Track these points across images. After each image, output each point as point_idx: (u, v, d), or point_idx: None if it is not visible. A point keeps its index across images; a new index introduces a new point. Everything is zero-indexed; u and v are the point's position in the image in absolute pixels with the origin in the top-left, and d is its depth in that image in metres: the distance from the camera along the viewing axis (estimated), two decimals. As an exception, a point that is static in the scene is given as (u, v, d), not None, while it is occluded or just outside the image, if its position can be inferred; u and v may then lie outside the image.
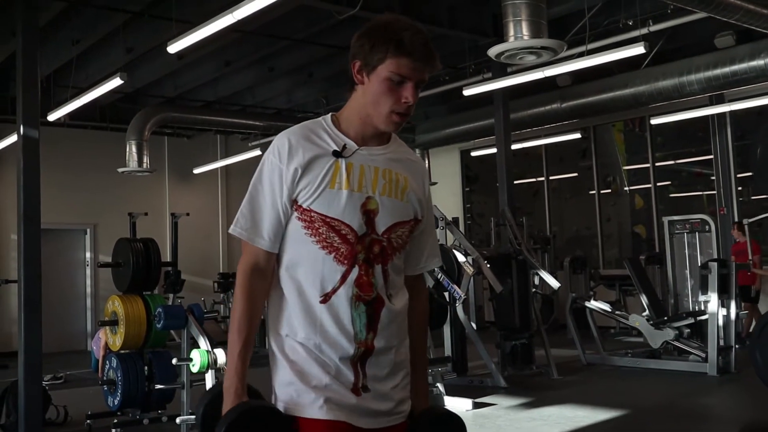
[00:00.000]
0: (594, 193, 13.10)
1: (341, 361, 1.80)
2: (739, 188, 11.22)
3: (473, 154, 14.49)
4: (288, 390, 1.81)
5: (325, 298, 1.80)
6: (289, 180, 1.82)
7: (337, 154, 1.83)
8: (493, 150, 10.58)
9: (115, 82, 8.41)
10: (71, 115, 10.34)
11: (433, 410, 2.04)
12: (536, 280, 9.41)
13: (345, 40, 2.15)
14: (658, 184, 12.32)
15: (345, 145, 1.85)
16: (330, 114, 1.93)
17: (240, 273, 1.87)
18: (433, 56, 1.83)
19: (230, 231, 1.88)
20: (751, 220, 10.07)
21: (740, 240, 9.56)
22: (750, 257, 9.13)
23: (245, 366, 1.83)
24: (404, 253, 1.91)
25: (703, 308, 8.23)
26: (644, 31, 8.69)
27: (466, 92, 9.60)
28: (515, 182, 10.13)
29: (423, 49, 1.80)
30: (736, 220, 10.37)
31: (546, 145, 13.55)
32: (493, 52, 6.94)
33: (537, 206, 13.96)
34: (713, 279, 7.92)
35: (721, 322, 7.87)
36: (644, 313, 8.74)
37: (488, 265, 7.82)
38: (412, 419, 1.94)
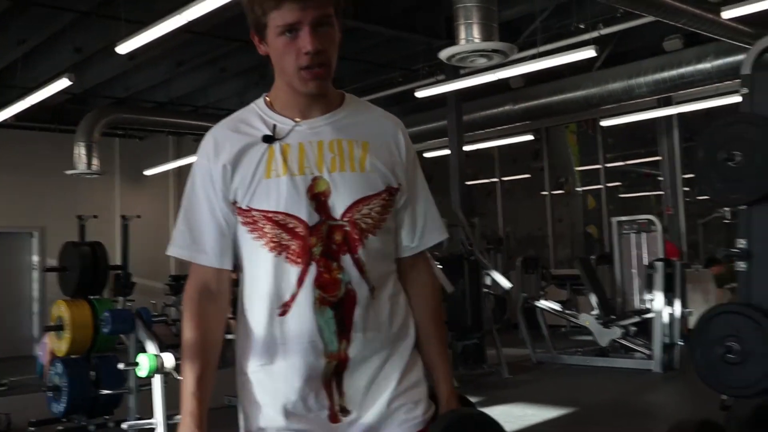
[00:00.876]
0: (546, 194, 13.26)
1: (309, 383, 1.52)
2: (686, 189, 11.46)
3: (426, 155, 14.55)
4: None
5: (284, 309, 1.51)
6: (219, 180, 1.56)
7: (268, 139, 1.55)
8: (446, 151, 10.65)
9: (63, 83, 8.29)
10: (18, 116, 10.15)
11: (454, 413, 1.64)
12: (488, 281, 9.48)
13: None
14: (609, 184, 12.53)
15: (275, 125, 1.57)
16: (263, 95, 1.64)
17: (186, 298, 1.59)
18: None
19: (168, 252, 1.60)
20: (702, 220, 10.31)
21: None
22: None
23: (201, 405, 1.54)
24: (384, 232, 1.58)
25: (648, 306, 8.39)
26: (595, 34, 8.82)
27: (419, 94, 9.65)
28: (468, 183, 10.20)
29: None
30: (682, 220, 10.60)
31: (499, 147, 13.68)
32: (444, 54, 6.99)
33: (490, 207, 14.09)
34: (659, 278, 8.08)
35: (666, 320, 8.03)
36: (593, 312, 8.87)
37: (440, 266, 7.85)
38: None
